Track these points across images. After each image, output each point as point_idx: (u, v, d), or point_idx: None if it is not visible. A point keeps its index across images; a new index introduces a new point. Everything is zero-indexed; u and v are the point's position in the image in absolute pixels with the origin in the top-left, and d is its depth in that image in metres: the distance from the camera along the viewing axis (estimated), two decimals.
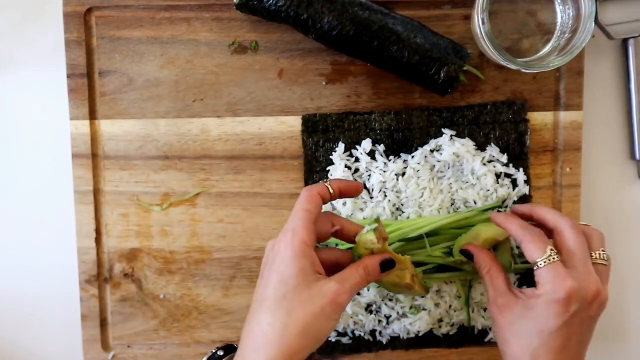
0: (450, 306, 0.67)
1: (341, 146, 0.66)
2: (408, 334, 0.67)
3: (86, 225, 0.68)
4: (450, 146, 0.65)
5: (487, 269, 0.59)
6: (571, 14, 0.62)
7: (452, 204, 0.66)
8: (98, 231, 0.68)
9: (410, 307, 0.67)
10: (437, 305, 0.67)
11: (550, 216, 0.58)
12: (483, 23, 0.59)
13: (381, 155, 0.66)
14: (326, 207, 0.66)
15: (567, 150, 0.67)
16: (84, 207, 0.68)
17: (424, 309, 0.66)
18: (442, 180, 0.66)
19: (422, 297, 0.67)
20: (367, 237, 0.56)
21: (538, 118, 0.67)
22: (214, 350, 0.60)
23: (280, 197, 0.68)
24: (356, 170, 0.67)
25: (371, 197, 0.66)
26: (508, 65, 0.60)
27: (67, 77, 0.67)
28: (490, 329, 0.68)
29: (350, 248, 0.59)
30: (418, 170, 0.66)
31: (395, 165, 0.66)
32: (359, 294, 0.67)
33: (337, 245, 0.64)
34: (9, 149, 0.70)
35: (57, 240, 0.70)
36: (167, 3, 0.66)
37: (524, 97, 0.67)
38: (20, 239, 0.70)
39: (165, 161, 0.67)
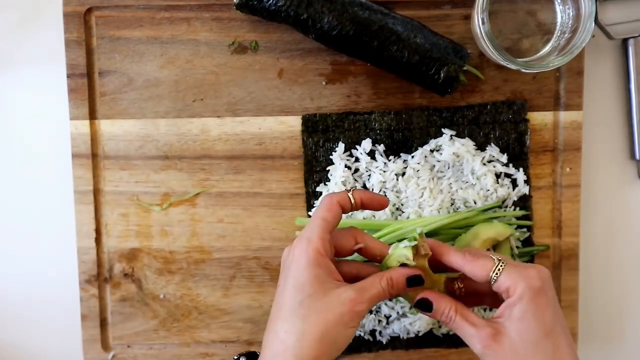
0: None
1: (341, 146, 0.66)
2: (408, 334, 0.67)
3: (86, 225, 0.68)
4: (450, 146, 0.65)
5: (454, 308, 0.53)
6: (571, 14, 0.62)
7: (452, 204, 0.66)
8: (98, 231, 0.68)
9: (410, 307, 0.67)
10: None
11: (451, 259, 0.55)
12: (483, 23, 0.59)
13: (381, 155, 0.66)
14: None
15: (567, 150, 0.67)
16: (84, 207, 0.68)
17: None
18: (442, 180, 0.66)
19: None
20: (403, 251, 0.54)
21: (538, 118, 0.67)
22: (235, 357, 0.60)
23: (280, 197, 0.68)
24: (356, 170, 0.67)
25: None
26: (508, 65, 0.60)
27: (67, 77, 0.67)
28: None
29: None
30: (418, 170, 0.66)
31: (395, 165, 0.66)
32: None
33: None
34: (9, 149, 0.70)
35: (57, 240, 0.70)
36: (167, 3, 0.66)
37: (524, 97, 0.67)
38: (20, 239, 0.70)
39: (165, 161, 0.67)
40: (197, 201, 0.68)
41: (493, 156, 0.66)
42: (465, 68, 0.64)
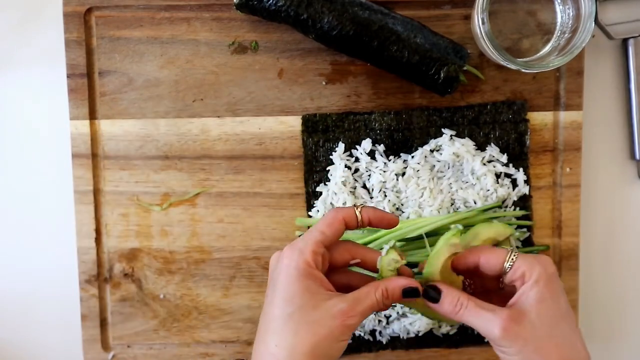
0: None
1: (341, 146, 0.66)
2: (408, 334, 0.67)
3: (86, 225, 0.68)
4: (450, 146, 0.65)
5: (466, 296, 0.52)
6: (571, 14, 0.62)
7: (452, 204, 0.66)
8: (98, 231, 0.68)
9: (410, 307, 0.67)
10: None
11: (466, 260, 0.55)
12: (483, 23, 0.59)
13: (381, 155, 0.66)
14: (327, 208, 0.66)
15: (567, 150, 0.67)
16: (84, 207, 0.68)
17: None
18: (442, 180, 0.66)
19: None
20: (389, 257, 0.54)
21: (538, 118, 0.67)
22: None
23: (280, 197, 0.68)
24: (356, 170, 0.67)
25: (371, 197, 0.66)
26: (508, 65, 0.60)
27: (67, 77, 0.67)
28: None
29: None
30: (418, 170, 0.66)
31: (395, 165, 0.66)
32: None
33: None
34: (9, 149, 0.70)
35: (57, 240, 0.70)
36: (167, 3, 0.66)
37: (524, 97, 0.67)
38: (20, 239, 0.70)
39: (165, 161, 0.67)
40: (197, 201, 0.68)
41: (493, 156, 0.66)
42: (465, 68, 0.64)
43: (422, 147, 0.66)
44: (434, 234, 0.64)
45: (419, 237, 0.64)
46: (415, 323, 0.67)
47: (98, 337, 0.69)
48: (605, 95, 0.69)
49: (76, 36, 0.66)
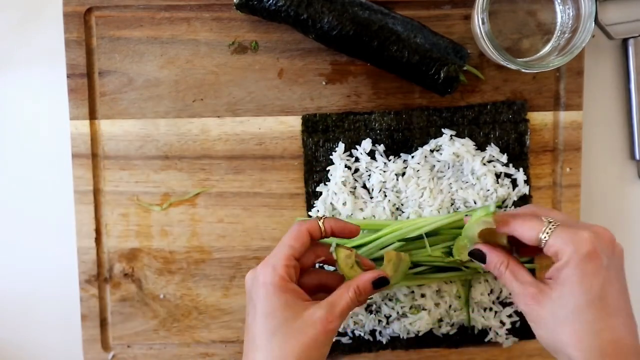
0: (450, 306, 0.67)
1: (341, 146, 0.66)
2: (408, 334, 0.67)
3: (86, 225, 0.68)
4: (450, 146, 0.65)
5: (506, 263, 0.54)
6: (571, 14, 0.62)
7: (452, 204, 0.66)
8: (98, 231, 0.68)
9: (410, 307, 0.67)
10: (437, 305, 0.67)
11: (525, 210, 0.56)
12: (483, 23, 0.59)
13: (381, 155, 0.66)
14: (327, 208, 0.66)
15: (567, 150, 0.67)
16: (84, 207, 0.68)
17: (424, 309, 0.66)
18: (442, 180, 0.66)
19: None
20: (341, 255, 0.57)
21: (538, 118, 0.67)
22: None
23: (280, 197, 0.68)
24: (356, 170, 0.67)
25: (371, 197, 0.66)
26: (508, 65, 0.60)
27: (67, 77, 0.67)
28: (490, 329, 0.68)
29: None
30: (418, 170, 0.66)
31: (395, 165, 0.66)
32: None
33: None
34: (8, 149, 0.70)
35: (57, 240, 0.70)
36: (167, 3, 0.66)
37: (524, 97, 0.67)
38: (20, 239, 0.70)
39: (165, 161, 0.67)
40: (197, 201, 0.68)
41: (493, 156, 0.66)
42: (465, 68, 0.64)
43: (422, 147, 0.66)
44: (434, 234, 0.64)
45: (419, 237, 0.64)
46: (415, 323, 0.67)
47: (98, 337, 0.69)
48: (605, 95, 0.69)
49: (76, 36, 0.66)
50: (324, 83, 0.67)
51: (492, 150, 0.66)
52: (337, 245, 0.58)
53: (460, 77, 0.63)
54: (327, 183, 0.67)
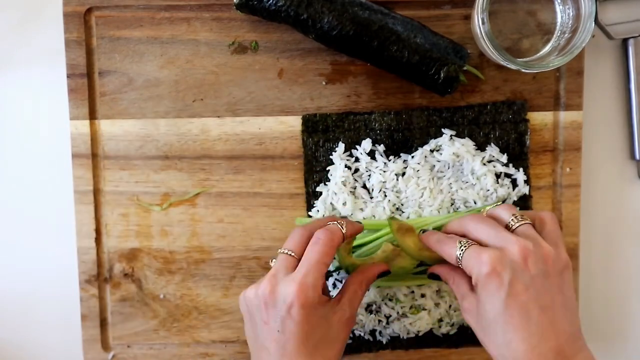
0: (450, 306, 0.67)
1: (341, 146, 0.66)
2: (408, 334, 0.67)
3: (86, 225, 0.68)
4: (450, 146, 0.65)
5: (451, 280, 0.58)
6: (571, 14, 0.62)
7: (452, 204, 0.66)
8: (98, 231, 0.68)
9: (410, 307, 0.67)
10: (437, 305, 0.67)
11: (454, 227, 0.58)
12: (483, 23, 0.59)
13: (381, 155, 0.66)
14: (327, 208, 0.66)
15: (567, 150, 0.67)
16: (84, 207, 0.68)
17: (424, 309, 0.66)
18: (442, 180, 0.66)
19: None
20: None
21: (538, 118, 0.67)
22: None
23: (280, 197, 0.68)
24: (356, 170, 0.67)
25: (371, 197, 0.66)
26: (508, 65, 0.60)
27: (67, 77, 0.67)
28: None
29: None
30: (418, 170, 0.66)
31: (395, 165, 0.66)
32: None
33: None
34: (9, 149, 0.70)
35: (57, 240, 0.70)
36: (167, 3, 0.66)
37: (524, 97, 0.67)
38: (20, 239, 0.70)
39: (165, 161, 0.67)
40: (197, 201, 0.68)
41: (493, 156, 0.66)
42: (465, 68, 0.64)
43: (422, 147, 0.66)
44: None
45: None
46: (415, 323, 0.67)
47: (98, 337, 0.69)
48: (605, 95, 0.69)
49: (76, 36, 0.66)
50: (324, 83, 0.67)
51: (492, 150, 0.66)
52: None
53: (460, 77, 0.63)
54: (327, 183, 0.67)
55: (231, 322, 0.69)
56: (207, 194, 0.68)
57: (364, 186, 0.67)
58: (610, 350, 0.71)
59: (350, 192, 0.66)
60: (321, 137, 0.67)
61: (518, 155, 0.67)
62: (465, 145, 0.66)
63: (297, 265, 0.55)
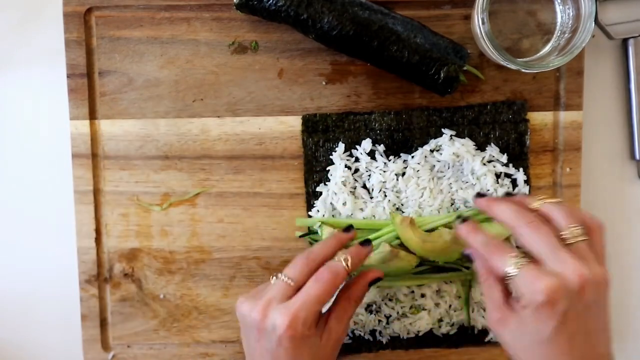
0: (450, 306, 0.67)
1: (341, 146, 0.66)
2: (408, 334, 0.67)
3: (86, 225, 0.68)
4: (450, 146, 0.65)
5: (484, 278, 0.56)
6: (571, 14, 0.62)
7: (452, 204, 0.66)
8: (98, 231, 0.68)
9: (410, 307, 0.67)
10: (437, 305, 0.67)
11: (504, 217, 0.55)
12: (483, 23, 0.59)
13: (381, 155, 0.66)
14: (327, 208, 0.66)
15: (567, 150, 0.67)
16: (84, 207, 0.68)
17: (424, 309, 0.66)
18: (442, 180, 0.66)
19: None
20: (327, 230, 0.63)
21: (538, 118, 0.67)
22: None
23: (280, 197, 0.68)
24: (356, 170, 0.67)
25: (371, 197, 0.66)
26: (508, 65, 0.60)
27: (67, 77, 0.67)
28: (490, 329, 0.68)
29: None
30: (418, 170, 0.66)
31: (395, 165, 0.66)
32: None
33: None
34: (9, 149, 0.70)
35: (57, 240, 0.70)
36: (167, 3, 0.66)
37: (524, 97, 0.67)
38: (20, 239, 0.70)
39: (165, 161, 0.67)
40: (197, 201, 0.68)
41: (493, 156, 0.66)
42: (465, 68, 0.64)
43: (422, 147, 0.66)
44: None
45: None
46: (415, 323, 0.67)
47: (98, 337, 0.69)
48: (605, 95, 0.69)
49: (76, 36, 0.66)
50: (324, 83, 0.67)
51: (492, 150, 0.66)
52: (323, 223, 0.64)
53: (460, 77, 0.63)
54: (327, 183, 0.67)
55: (231, 322, 0.69)
56: (207, 194, 0.68)
57: (364, 186, 0.67)
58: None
59: (350, 192, 0.66)
60: (321, 137, 0.67)
61: (518, 155, 0.67)
62: (465, 145, 0.66)
63: (293, 294, 0.55)
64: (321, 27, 0.62)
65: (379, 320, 0.67)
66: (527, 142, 0.67)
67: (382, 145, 0.66)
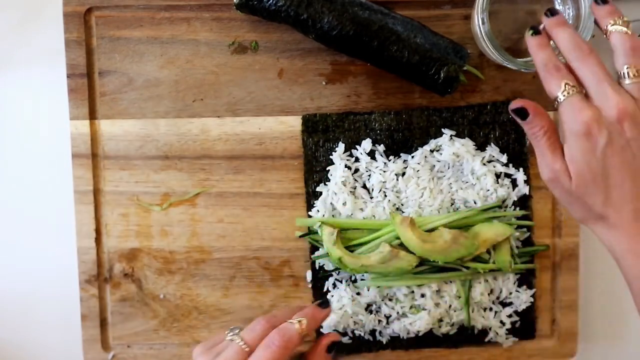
0: (450, 306, 0.67)
1: (341, 146, 0.66)
2: (408, 334, 0.67)
3: (86, 225, 0.68)
4: (450, 146, 0.65)
5: (545, 130, 0.52)
6: (571, 14, 0.62)
7: (452, 204, 0.66)
8: (98, 231, 0.68)
9: (410, 307, 0.67)
10: (437, 305, 0.67)
11: (561, 45, 0.53)
12: (483, 23, 0.59)
13: (381, 155, 0.66)
14: (327, 208, 0.66)
15: None
16: (84, 207, 0.68)
17: (424, 309, 0.66)
18: (442, 180, 0.66)
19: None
20: (326, 229, 0.64)
21: None
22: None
23: (280, 197, 0.68)
24: (356, 170, 0.67)
25: (371, 197, 0.66)
26: (508, 65, 0.60)
27: (67, 77, 0.67)
28: (490, 329, 0.68)
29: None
30: (418, 170, 0.66)
31: (395, 165, 0.66)
32: (359, 293, 0.67)
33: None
34: (9, 149, 0.70)
35: (57, 240, 0.70)
36: (167, 3, 0.66)
37: (523, 97, 0.67)
38: (20, 239, 0.70)
39: (165, 161, 0.67)
40: (197, 201, 0.68)
41: (493, 156, 0.66)
42: (465, 68, 0.64)
43: (422, 147, 0.66)
44: None
45: None
46: (415, 323, 0.67)
47: (98, 337, 0.69)
48: None
49: (76, 36, 0.66)
50: (324, 83, 0.67)
51: (492, 150, 0.66)
52: (323, 223, 0.63)
53: (460, 77, 0.63)
54: (327, 183, 0.67)
55: (231, 322, 0.69)
56: (207, 194, 0.68)
57: (364, 186, 0.67)
58: (610, 350, 0.71)
59: (350, 192, 0.66)
60: (321, 137, 0.67)
61: (518, 155, 0.67)
62: (465, 145, 0.66)
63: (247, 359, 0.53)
64: (321, 27, 0.62)
65: (379, 320, 0.67)
66: (527, 142, 0.67)
67: (382, 145, 0.66)
